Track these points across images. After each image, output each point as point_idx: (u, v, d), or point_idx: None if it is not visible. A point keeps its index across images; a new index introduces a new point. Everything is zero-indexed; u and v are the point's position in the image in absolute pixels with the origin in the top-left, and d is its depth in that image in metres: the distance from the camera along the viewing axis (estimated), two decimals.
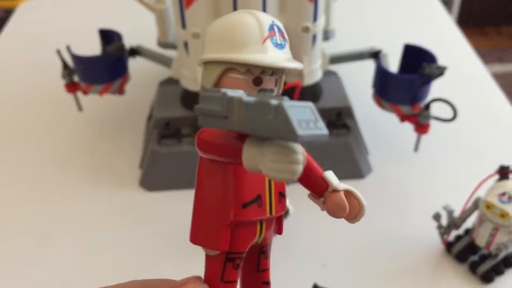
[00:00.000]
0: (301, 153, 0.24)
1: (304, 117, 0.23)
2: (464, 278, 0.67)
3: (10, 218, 0.77)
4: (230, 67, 0.30)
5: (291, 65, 0.30)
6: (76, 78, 0.84)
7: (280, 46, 0.30)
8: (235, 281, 0.32)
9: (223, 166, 0.30)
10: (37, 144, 0.91)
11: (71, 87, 0.84)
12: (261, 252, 0.33)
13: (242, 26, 0.30)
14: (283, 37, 0.31)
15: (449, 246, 0.70)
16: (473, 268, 0.67)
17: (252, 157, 0.25)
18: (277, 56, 0.30)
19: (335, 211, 0.31)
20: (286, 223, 0.71)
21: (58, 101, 0.97)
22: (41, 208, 0.78)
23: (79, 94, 0.86)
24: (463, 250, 0.68)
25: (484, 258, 0.67)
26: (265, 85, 0.30)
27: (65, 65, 0.82)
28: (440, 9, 1.32)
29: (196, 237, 0.31)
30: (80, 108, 0.88)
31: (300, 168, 0.24)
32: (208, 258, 0.32)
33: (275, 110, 0.23)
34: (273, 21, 0.30)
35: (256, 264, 0.34)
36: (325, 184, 0.31)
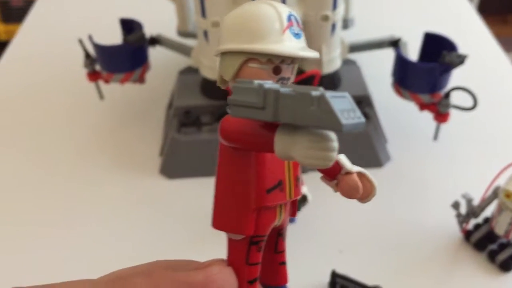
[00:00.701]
0: (335, 140, 0.25)
1: (344, 107, 0.24)
2: (483, 267, 0.67)
3: (31, 205, 0.78)
4: (251, 57, 0.30)
5: (310, 54, 0.31)
6: (97, 67, 0.85)
7: (297, 36, 0.31)
8: (259, 263, 0.33)
9: (246, 154, 0.30)
10: (59, 132, 0.92)
11: (93, 76, 0.85)
12: (279, 235, 0.35)
13: (263, 17, 0.30)
14: (299, 27, 0.32)
15: (468, 234, 0.70)
16: (491, 256, 0.67)
17: (285, 144, 0.26)
18: (296, 45, 0.31)
19: (349, 192, 0.32)
20: (304, 209, 0.72)
21: (80, 89, 0.98)
22: (62, 195, 0.80)
23: (101, 82, 0.87)
24: (482, 239, 0.68)
25: (503, 246, 0.67)
26: (284, 74, 0.31)
27: (87, 54, 0.83)
28: None
29: (219, 223, 0.32)
30: (101, 96, 0.90)
31: (334, 155, 0.25)
32: (231, 242, 0.32)
33: (318, 101, 0.23)
34: (290, 12, 0.31)
35: (274, 245, 0.35)
36: (339, 167, 0.32)
